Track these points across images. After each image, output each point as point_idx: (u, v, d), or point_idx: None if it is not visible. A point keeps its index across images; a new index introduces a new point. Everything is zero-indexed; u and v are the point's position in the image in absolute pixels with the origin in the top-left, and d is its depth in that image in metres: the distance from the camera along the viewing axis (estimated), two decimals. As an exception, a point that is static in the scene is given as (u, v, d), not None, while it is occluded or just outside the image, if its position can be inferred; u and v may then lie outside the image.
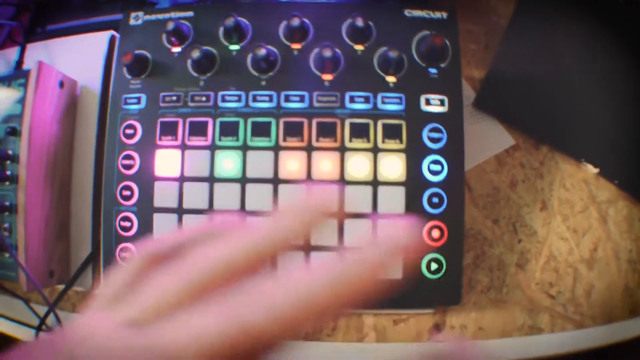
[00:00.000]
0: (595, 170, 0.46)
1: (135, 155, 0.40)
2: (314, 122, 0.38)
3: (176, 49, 0.41)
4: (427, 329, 0.42)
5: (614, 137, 0.47)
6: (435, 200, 0.38)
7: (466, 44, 0.48)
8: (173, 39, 0.41)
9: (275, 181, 0.38)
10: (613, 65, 0.47)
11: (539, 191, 0.45)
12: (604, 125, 0.46)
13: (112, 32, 0.47)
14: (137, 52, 0.41)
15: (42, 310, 0.44)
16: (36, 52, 0.48)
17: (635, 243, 0.46)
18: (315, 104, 0.39)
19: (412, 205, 0.38)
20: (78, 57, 0.47)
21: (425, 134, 0.38)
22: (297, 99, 0.39)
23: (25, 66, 0.48)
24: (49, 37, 0.49)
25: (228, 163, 0.39)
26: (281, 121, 0.39)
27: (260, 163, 0.38)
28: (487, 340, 0.41)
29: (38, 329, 0.44)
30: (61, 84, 0.45)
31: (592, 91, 0.47)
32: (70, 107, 0.46)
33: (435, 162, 0.38)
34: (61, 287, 0.45)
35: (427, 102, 0.39)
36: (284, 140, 0.38)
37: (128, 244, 0.40)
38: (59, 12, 0.51)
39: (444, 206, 0.38)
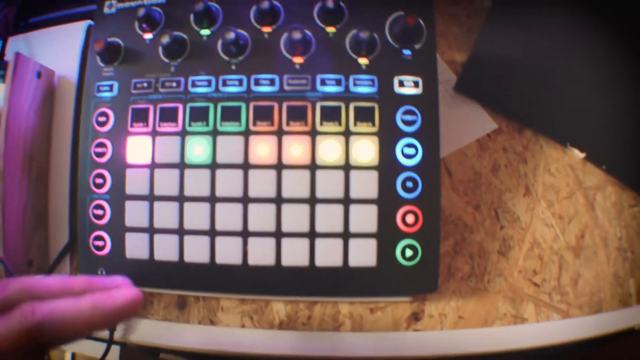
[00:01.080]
0: (582, 155, 0.44)
1: (108, 142, 0.39)
2: (285, 105, 0.38)
3: (148, 36, 0.40)
4: (404, 318, 0.40)
5: (602, 121, 0.45)
6: (410, 184, 0.37)
7: (448, 26, 0.46)
8: (144, 26, 0.40)
9: (246, 166, 0.37)
10: (600, 47, 0.46)
11: (522, 176, 0.43)
12: (590, 109, 0.45)
13: (90, 21, 0.47)
14: (109, 39, 0.40)
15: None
16: (17, 45, 0.48)
17: (625, 230, 0.44)
18: (286, 88, 0.38)
19: (385, 190, 0.37)
20: (57, 48, 0.47)
21: (398, 116, 0.37)
22: (267, 82, 0.38)
23: (6, 59, 0.48)
24: (31, 30, 0.49)
25: (198, 149, 0.38)
26: (251, 105, 0.38)
27: (230, 148, 0.38)
28: (468, 330, 0.40)
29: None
30: (39, 75, 0.45)
31: (578, 74, 0.45)
32: (48, 97, 0.46)
33: (410, 145, 0.37)
34: (40, 277, 0.44)
35: (401, 84, 0.38)
36: (254, 124, 0.38)
37: (101, 232, 0.39)
38: (41, 4, 0.51)
39: (419, 190, 0.37)
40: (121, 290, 0.30)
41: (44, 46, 0.47)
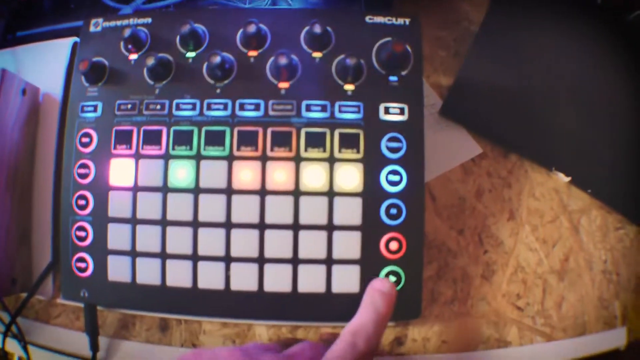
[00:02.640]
0: (567, 179, 0.44)
1: (91, 164, 0.39)
2: (269, 131, 0.37)
3: (133, 56, 0.40)
4: (387, 342, 0.40)
5: (587, 146, 0.45)
6: (394, 211, 0.37)
7: (435, 50, 0.46)
8: (130, 46, 0.40)
9: (229, 191, 0.37)
10: (585, 71, 0.46)
11: (507, 201, 0.43)
12: (576, 133, 0.45)
13: (76, 38, 0.47)
14: (94, 59, 0.40)
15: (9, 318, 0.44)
16: (4, 58, 0.48)
17: (610, 253, 0.44)
18: (271, 113, 0.38)
19: (369, 217, 0.37)
20: (42, 64, 0.47)
21: (383, 143, 0.37)
22: (252, 107, 0.38)
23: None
24: (18, 44, 0.49)
25: (181, 173, 0.38)
26: (235, 130, 0.38)
27: (213, 173, 0.37)
28: (451, 354, 0.40)
29: (4, 335, 0.44)
30: (23, 92, 0.44)
31: (564, 98, 0.45)
32: (32, 115, 0.45)
33: (394, 172, 0.37)
34: (24, 295, 0.44)
35: (387, 111, 0.38)
36: (238, 149, 0.37)
37: (83, 254, 0.39)
38: (29, 17, 0.50)
39: (403, 218, 0.37)
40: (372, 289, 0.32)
41: (29, 61, 0.47)
